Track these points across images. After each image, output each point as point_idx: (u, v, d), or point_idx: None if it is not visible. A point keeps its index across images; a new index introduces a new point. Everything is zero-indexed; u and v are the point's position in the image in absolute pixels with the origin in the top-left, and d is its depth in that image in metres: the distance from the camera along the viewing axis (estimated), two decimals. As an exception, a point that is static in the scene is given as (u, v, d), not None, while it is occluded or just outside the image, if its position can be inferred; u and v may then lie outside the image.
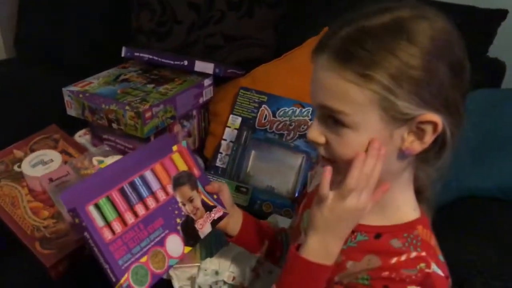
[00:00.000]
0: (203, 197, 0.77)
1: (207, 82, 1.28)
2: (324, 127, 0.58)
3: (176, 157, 0.77)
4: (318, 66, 0.57)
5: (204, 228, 0.74)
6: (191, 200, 0.75)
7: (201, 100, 1.29)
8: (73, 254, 0.99)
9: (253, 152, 1.21)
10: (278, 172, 1.17)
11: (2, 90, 1.45)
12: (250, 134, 1.23)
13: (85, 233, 0.63)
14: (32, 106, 1.41)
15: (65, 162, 1.17)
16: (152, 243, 0.68)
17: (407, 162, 0.60)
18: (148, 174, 0.72)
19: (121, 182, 0.68)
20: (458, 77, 0.55)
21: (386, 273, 0.57)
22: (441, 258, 0.61)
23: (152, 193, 0.71)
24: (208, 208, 0.76)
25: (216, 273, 0.90)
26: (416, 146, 0.56)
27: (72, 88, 1.22)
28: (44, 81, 1.48)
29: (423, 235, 0.60)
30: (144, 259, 0.66)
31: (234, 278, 0.92)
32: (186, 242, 0.72)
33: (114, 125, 1.16)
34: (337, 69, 0.54)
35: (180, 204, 0.74)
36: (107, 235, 0.64)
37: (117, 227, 0.65)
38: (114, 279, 0.63)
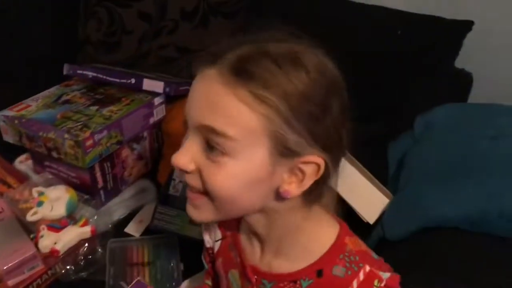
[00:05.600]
0: None
1: (157, 100, 1.19)
2: (197, 152, 0.51)
3: None
4: (206, 79, 0.49)
5: None
6: None
7: (152, 120, 1.19)
8: None
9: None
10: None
11: None
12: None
13: None
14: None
15: (1, 195, 1.07)
16: None
17: (291, 205, 0.55)
18: None
19: None
20: (344, 115, 0.52)
21: None
22: (374, 256, 0.59)
23: None
24: None
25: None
26: (293, 189, 0.52)
27: (7, 112, 1.12)
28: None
29: (354, 246, 0.58)
30: None
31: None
32: None
33: (54, 154, 1.06)
34: (231, 85, 0.47)
35: None
36: None
37: None
38: None
